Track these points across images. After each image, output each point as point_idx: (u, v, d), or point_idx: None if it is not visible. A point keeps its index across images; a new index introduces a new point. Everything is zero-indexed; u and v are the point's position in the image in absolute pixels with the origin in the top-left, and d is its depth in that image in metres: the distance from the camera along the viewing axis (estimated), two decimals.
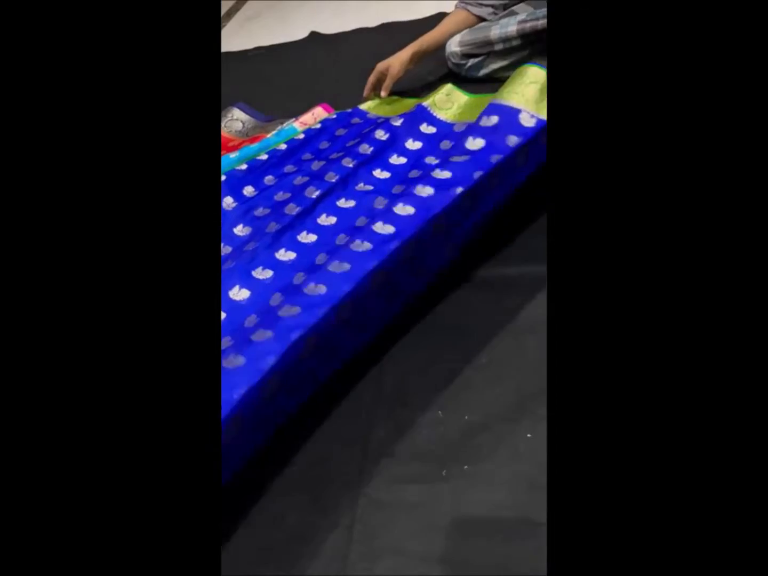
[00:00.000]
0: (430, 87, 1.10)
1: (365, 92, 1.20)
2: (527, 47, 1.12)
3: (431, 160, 0.94)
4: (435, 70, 1.30)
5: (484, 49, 1.14)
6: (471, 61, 1.17)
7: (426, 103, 1.06)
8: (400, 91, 1.23)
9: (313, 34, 1.76)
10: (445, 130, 1.01)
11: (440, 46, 1.20)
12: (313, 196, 0.88)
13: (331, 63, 1.55)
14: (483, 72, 1.18)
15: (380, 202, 0.85)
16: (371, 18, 1.73)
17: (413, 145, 0.98)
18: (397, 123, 1.03)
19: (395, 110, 1.15)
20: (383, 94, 1.18)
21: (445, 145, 0.97)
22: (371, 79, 1.20)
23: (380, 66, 1.18)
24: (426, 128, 1.01)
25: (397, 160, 0.95)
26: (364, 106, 1.18)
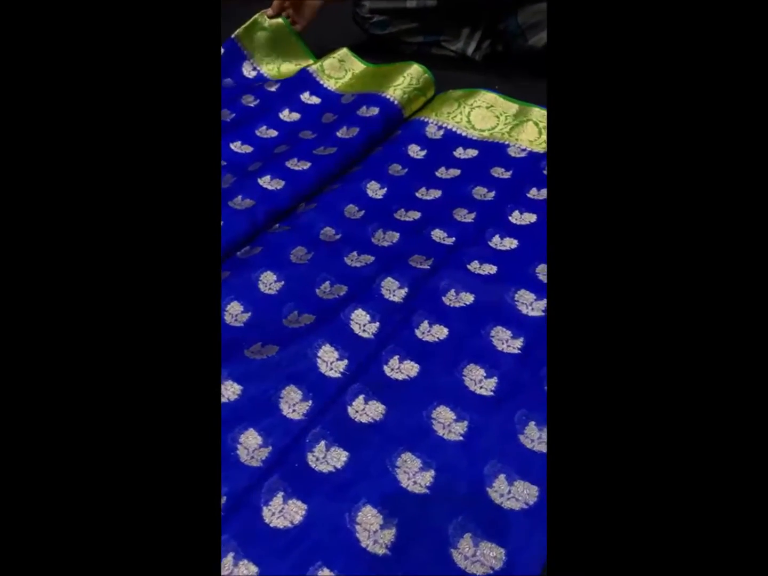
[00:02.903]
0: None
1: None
2: (440, 12, 0.97)
3: (307, 134, 0.77)
4: (344, 38, 1.12)
5: (395, 4, 0.99)
6: (377, 17, 1.01)
7: (313, 68, 0.89)
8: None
9: None
10: (330, 101, 0.84)
11: None
12: None
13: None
14: (388, 30, 1.04)
15: (227, 181, 0.68)
16: None
17: (289, 116, 0.81)
18: (272, 88, 0.85)
19: (280, 69, 0.96)
20: (268, 13, 0.97)
21: (328, 118, 0.80)
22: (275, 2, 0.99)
23: None
24: (308, 98, 0.84)
25: (265, 132, 0.78)
26: (239, 39, 0.97)
